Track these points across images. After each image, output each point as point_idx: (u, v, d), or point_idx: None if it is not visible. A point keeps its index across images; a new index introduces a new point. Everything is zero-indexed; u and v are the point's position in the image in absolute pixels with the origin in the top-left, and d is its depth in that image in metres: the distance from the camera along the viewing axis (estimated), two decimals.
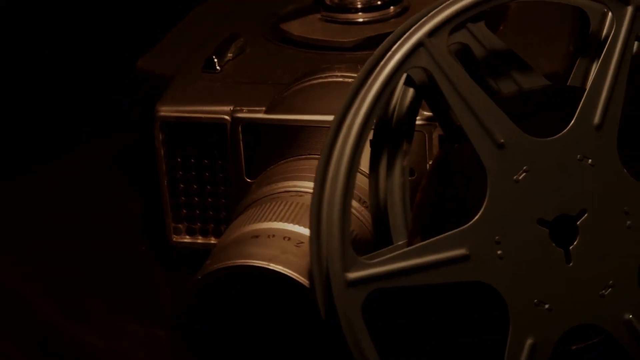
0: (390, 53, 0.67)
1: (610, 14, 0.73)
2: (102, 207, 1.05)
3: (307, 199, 0.79)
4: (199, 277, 0.70)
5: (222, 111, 0.88)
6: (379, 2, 1.05)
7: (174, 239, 0.93)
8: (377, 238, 0.75)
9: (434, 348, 0.71)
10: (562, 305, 0.71)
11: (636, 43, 0.76)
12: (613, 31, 0.72)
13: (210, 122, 0.88)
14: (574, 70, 0.76)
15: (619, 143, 0.73)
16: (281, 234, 0.73)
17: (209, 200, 0.91)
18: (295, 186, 0.80)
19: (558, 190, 0.70)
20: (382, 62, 0.67)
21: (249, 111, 0.88)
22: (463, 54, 0.74)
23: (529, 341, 0.70)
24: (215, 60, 0.95)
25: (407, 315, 0.70)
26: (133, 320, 0.91)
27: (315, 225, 0.67)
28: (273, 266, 0.69)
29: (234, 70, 0.96)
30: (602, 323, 0.71)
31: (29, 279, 0.96)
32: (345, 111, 0.67)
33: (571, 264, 0.71)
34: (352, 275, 0.66)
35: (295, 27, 1.02)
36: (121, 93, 1.13)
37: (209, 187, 0.91)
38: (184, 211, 0.92)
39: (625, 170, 0.71)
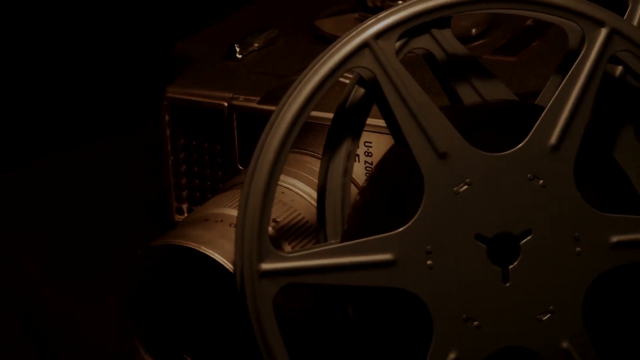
0: (333, 50, 0.68)
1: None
2: (116, 190, 1.08)
3: None
4: (139, 252, 0.72)
5: (222, 97, 0.89)
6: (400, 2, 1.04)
7: (176, 219, 0.96)
8: (318, 233, 0.75)
9: (354, 351, 0.71)
10: (493, 324, 0.68)
11: (620, 67, 0.75)
12: (583, 51, 0.69)
13: (210, 107, 0.89)
14: (545, 86, 0.74)
15: (580, 167, 0.71)
16: (229, 220, 0.74)
17: (208, 183, 0.93)
18: None
19: (502, 207, 0.68)
20: (324, 58, 0.68)
21: (245, 100, 0.89)
22: (431, 59, 0.74)
23: (452, 355, 0.68)
24: (237, 48, 0.97)
25: (328, 313, 0.70)
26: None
27: (241, 214, 0.67)
28: (203, 249, 0.70)
29: (255, 60, 0.97)
30: (536, 348, 0.69)
31: (27, 253, 0.99)
32: (284, 102, 0.67)
33: (508, 284, 0.69)
34: (265, 266, 0.66)
35: (329, 25, 1.03)
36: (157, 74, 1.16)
37: (208, 170, 0.92)
38: (186, 192, 0.94)
39: (580, 196, 0.68)
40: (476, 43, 0.97)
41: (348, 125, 0.72)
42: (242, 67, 0.96)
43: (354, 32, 0.67)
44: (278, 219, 0.76)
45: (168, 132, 0.93)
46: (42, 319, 0.92)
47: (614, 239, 0.70)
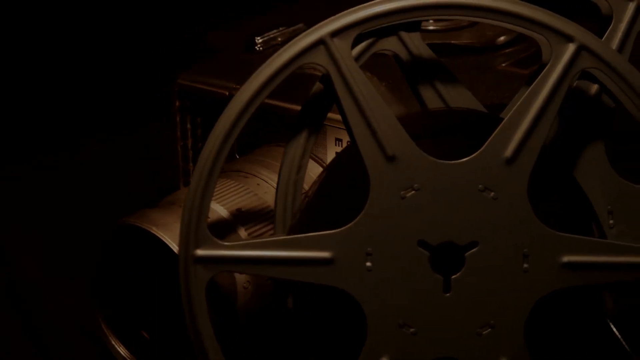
0: (290, 44, 0.68)
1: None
2: (116, 189, 1.09)
3: (249, 182, 0.80)
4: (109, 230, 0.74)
5: (226, 86, 0.90)
6: None
7: None
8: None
9: (291, 342, 0.71)
10: (430, 333, 0.68)
11: (596, 86, 0.72)
12: (548, 65, 0.67)
13: (214, 96, 0.90)
14: (514, 98, 0.72)
15: (538, 183, 0.69)
16: None
17: None
18: (251, 169, 0.82)
19: (449, 216, 0.67)
20: (280, 51, 0.68)
21: None
22: (400, 62, 0.73)
23: (384, 359, 0.69)
24: (259, 41, 0.97)
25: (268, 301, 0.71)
26: None
27: (189, 199, 0.68)
28: (154, 230, 0.71)
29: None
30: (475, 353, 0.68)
31: (27, 253, 1.01)
32: (241, 90, 0.68)
33: (449, 294, 0.68)
34: (200, 252, 0.67)
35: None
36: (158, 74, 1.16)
37: None
38: None
39: (532, 212, 0.67)
40: (498, 53, 0.96)
41: (306, 122, 0.73)
42: (260, 60, 0.97)
43: (312, 29, 0.68)
44: (244, 209, 0.77)
45: (177, 118, 0.95)
46: (42, 319, 0.94)
47: (565, 259, 0.68)
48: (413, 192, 0.67)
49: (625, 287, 0.71)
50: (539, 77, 0.67)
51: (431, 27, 1.01)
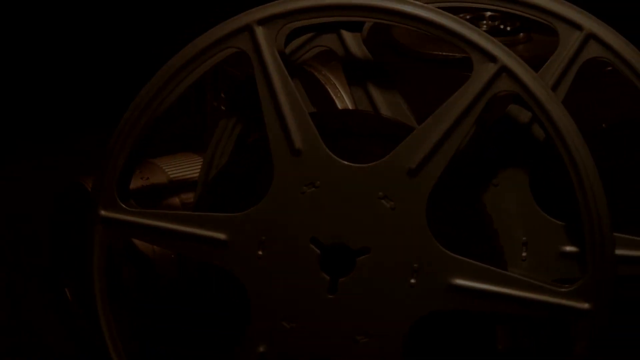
0: (218, 26, 0.69)
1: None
2: None
3: None
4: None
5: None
6: (508, 28, 1.00)
7: None
8: None
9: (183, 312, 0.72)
10: (308, 332, 0.68)
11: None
12: (466, 83, 0.65)
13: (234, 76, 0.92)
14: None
15: (445, 200, 0.67)
16: (151, 170, 0.79)
17: None
18: None
19: (345, 218, 0.67)
20: (208, 32, 0.69)
21: None
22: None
23: (261, 349, 0.68)
24: None
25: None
26: None
27: (103, 162, 0.70)
28: (83, 181, 0.75)
29: None
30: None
31: (27, 252, 1.02)
32: (166, 65, 0.69)
33: (333, 296, 0.67)
34: (103, 212, 0.70)
35: (405, 36, 1.01)
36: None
37: None
38: None
39: (427, 228, 0.65)
40: None
41: (235, 108, 0.74)
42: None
43: (241, 14, 0.69)
44: (190, 181, 0.80)
45: (208, 96, 0.98)
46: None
47: (454, 281, 0.66)
48: (313, 189, 0.67)
49: (521, 323, 0.69)
50: (455, 94, 0.66)
51: None
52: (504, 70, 0.65)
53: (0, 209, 1.07)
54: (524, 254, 0.69)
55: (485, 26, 1.03)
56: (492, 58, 0.65)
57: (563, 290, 0.64)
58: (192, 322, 0.72)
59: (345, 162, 0.67)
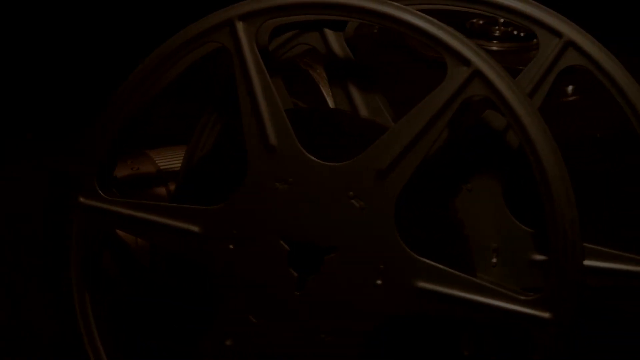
0: (202, 20, 0.69)
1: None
2: None
3: None
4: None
5: None
6: (521, 34, 0.99)
7: None
8: None
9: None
10: (274, 328, 0.68)
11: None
12: (439, 87, 0.65)
13: None
14: None
15: (416, 202, 0.66)
16: (141, 160, 0.80)
17: None
18: None
19: (315, 216, 0.67)
20: (192, 25, 0.69)
21: None
22: None
23: (227, 342, 0.69)
24: None
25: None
26: None
27: (86, 152, 0.72)
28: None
29: None
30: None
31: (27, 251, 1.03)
32: (149, 58, 0.70)
33: (300, 294, 0.67)
34: (82, 199, 0.71)
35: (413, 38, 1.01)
36: None
37: None
38: None
39: (395, 228, 0.65)
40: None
41: (218, 103, 0.74)
42: None
43: (223, 9, 0.69)
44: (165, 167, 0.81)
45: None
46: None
47: (419, 284, 0.65)
48: (286, 185, 0.68)
49: (486, 330, 0.68)
50: (427, 97, 0.66)
51: (494, 48, 0.99)
52: (477, 74, 0.65)
53: (0, 209, 1.08)
54: (494, 261, 0.69)
55: (498, 32, 1.03)
56: (466, 61, 0.65)
57: (523, 298, 0.64)
58: (162, 314, 0.73)
59: (318, 160, 0.67)
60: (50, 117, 1.29)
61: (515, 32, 1.01)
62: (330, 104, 0.80)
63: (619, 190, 0.78)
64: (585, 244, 0.65)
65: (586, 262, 0.65)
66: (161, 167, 0.82)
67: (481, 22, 1.01)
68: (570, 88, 0.95)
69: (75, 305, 0.73)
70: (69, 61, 1.37)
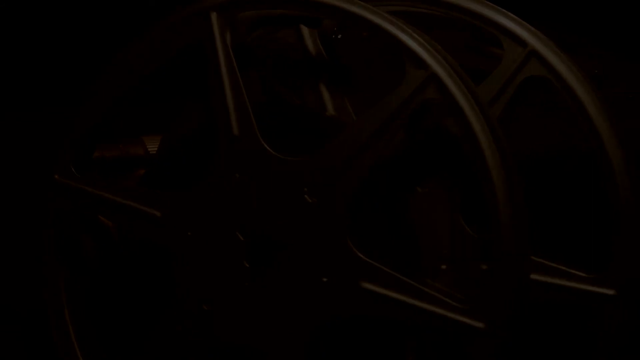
0: (176, 11, 0.70)
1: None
2: None
3: None
4: None
5: None
6: None
7: None
8: None
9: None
10: (224, 316, 0.68)
11: None
12: (397, 89, 0.64)
13: None
14: None
15: (372, 203, 0.66)
16: (133, 143, 0.82)
17: None
18: None
19: (271, 210, 0.67)
20: (166, 16, 0.70)
21: None
22: None
23: (179, 328, 0.69)
24: None
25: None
26: None
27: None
28: None
29: None
30: (262, 348, 0.67)
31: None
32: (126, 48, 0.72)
33: (251, 285, 0.68)
34: (56, 178, 0.72)
35: None
36: None
37: None
38: None
39: (345, 227, 0.64)
40: None
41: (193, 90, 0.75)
42: None
43: (199, 1, 0.70)
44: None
45: None
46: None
47: (363, 284, 0.65)
48: (245, 177, 0.69)
49: (429, 338, 0.67)
50: (384, 98, 0.65)
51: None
52: (433, 78, 0.65)
53: (0, 208, 1.08)
54: (443, 267, 0.68)
55: None
56: (423, 65, 0.65)
57: (459, 305, 0.63)
58: (122, 298, 0.75)
59: (276, 154, 0.68)
60: (38, 90, 1.26)
61: None
62: (327, 98, 0.81)
63: (570, 203, 0.76)
64: (534, 258, 0.65)
65: (533, 276, 0.64)
66: (150, 151, 0.84)
67: None
68: None
69: (47, 282, 0.75)
70: (69, 61, 1.33)
